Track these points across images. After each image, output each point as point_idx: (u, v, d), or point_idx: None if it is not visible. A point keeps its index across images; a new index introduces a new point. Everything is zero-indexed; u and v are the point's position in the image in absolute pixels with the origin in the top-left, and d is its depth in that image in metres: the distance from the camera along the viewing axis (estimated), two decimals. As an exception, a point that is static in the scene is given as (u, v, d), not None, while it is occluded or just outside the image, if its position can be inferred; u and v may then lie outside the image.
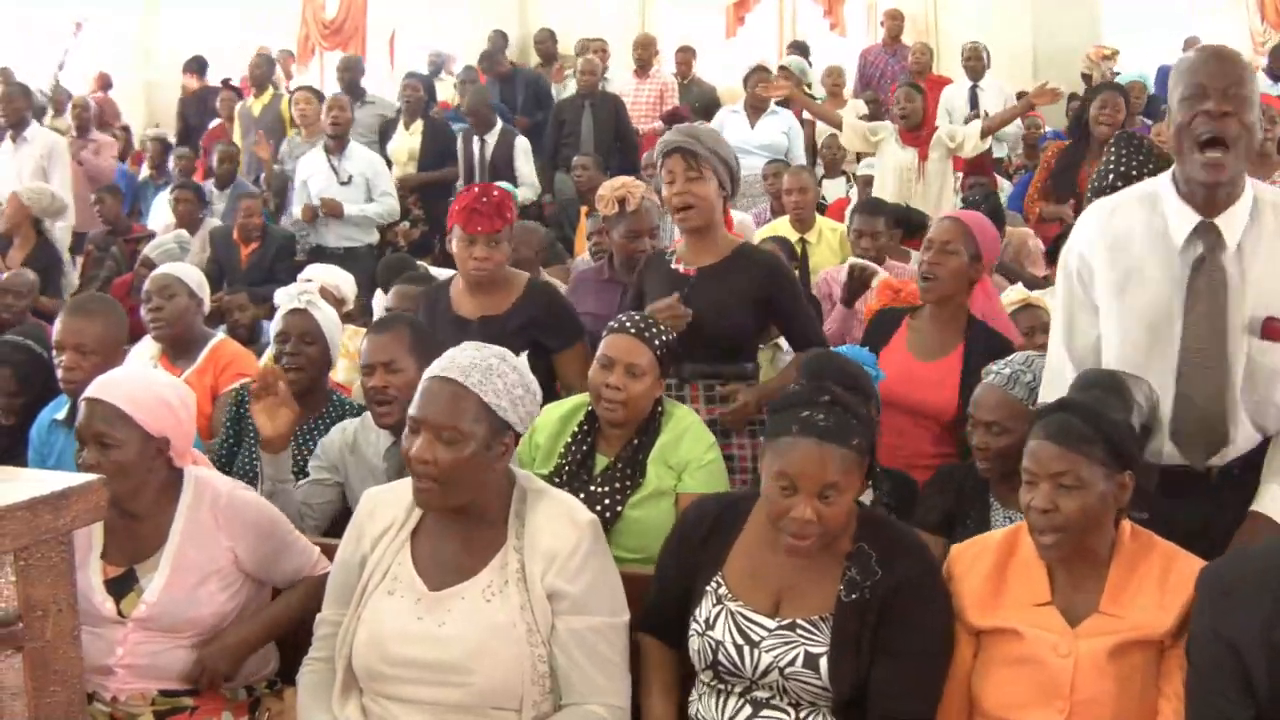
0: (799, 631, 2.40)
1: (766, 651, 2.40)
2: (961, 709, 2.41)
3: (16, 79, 8.03)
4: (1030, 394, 2.96)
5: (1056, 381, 2.73)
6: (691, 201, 3.54)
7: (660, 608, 2.58)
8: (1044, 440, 2.32)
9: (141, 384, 2.84)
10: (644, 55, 9.62)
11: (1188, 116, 2.52)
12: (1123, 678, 2.29)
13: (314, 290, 3.87)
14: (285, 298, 3.76)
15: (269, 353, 3.82)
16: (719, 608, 2.46)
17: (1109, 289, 2.67)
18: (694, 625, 2.48)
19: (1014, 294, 4.18)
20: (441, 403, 2.41)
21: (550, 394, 3.67)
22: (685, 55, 10.56)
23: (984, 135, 6.93)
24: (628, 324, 3.15)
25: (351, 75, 9.32)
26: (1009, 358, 3.15)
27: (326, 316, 3.74)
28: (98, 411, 2.71)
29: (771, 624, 2.42)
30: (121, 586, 2.73)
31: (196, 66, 10.99)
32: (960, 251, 3.56)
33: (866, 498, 3.19)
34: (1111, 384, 2.44)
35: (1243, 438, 2.64)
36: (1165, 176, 2.69)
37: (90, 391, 2.76)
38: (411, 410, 2.45)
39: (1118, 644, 2.29)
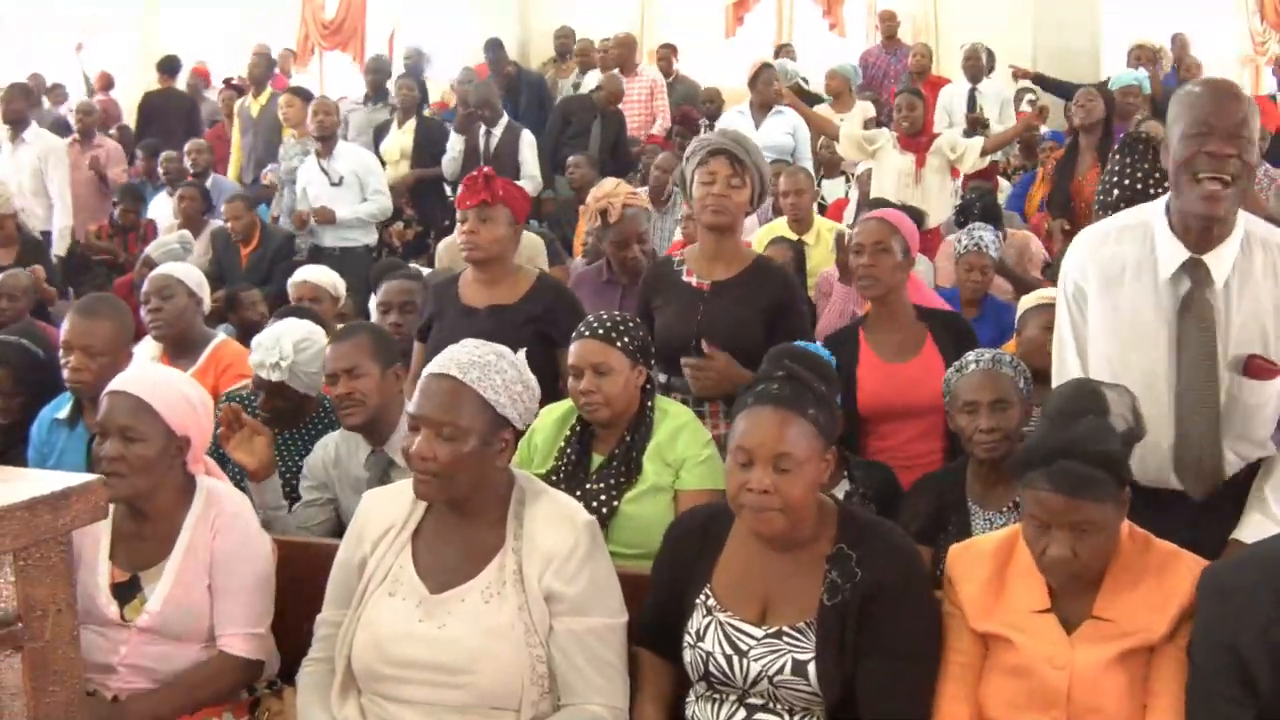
0: (785, 639, 2.39)
1: (755, 660, 2.39)
2: (972, 708, 2.39)
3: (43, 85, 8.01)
4: (1016, 373, 3.06)
5: None
6: (727, 206, 3.53)
7: (653, 622, 2.57)
8: (1052, 493, 2.24)
9: (166, 381, 2.85)
10: (625, 55, 9.60)
11: (1190, 153, 2.50)
12: (1120, 687, 2.28)
13: (289, 352, 3.61)
14: (263, 352, 3.58)
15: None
16: (709, 619, 2.46)
17: (1100, 317, 2.68)
18: (687, 638, 2.48)
19: (1037, 297, 4.09)
20: (440, 399, 2.43)
21: (553, 389, 3.68)
22: (666, 53, 10.59)
23: (984, 154, 6.94)
24: (585, 330, 3.16)
25: (378, 77, 9.46)
26: (976, 352, 3.23)
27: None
28: (124, 404, 2.71)
29: (759, 633, 2.41)
30: (126, 592, 2.73)
31: (167, 68, 10.96)
32: (893, 249, 3.61)
33: (842, 490, 3.21)
34: (1095, 406, 2.38)
35: (1231, 468, 2.66)
36: (1159, 206, 2.67)
37: (116, 385, 2.77)
38: (410, 408, 2.47)
39: (1115, 655, 2.28)
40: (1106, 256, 2.68)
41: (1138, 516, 2.36)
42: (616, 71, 9.35)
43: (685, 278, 3.62)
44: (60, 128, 9.51)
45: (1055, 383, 2.79)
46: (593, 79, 9.70)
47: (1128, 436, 2.36)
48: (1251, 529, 2.62)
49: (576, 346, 3.14)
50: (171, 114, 10.25)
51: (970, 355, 3.19)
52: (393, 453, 3.29)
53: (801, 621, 2.38)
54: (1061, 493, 2.23)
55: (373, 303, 4.68)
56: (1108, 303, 2.66)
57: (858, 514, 2.52)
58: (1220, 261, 2.57)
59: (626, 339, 3.12)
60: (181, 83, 10.95)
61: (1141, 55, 9.53)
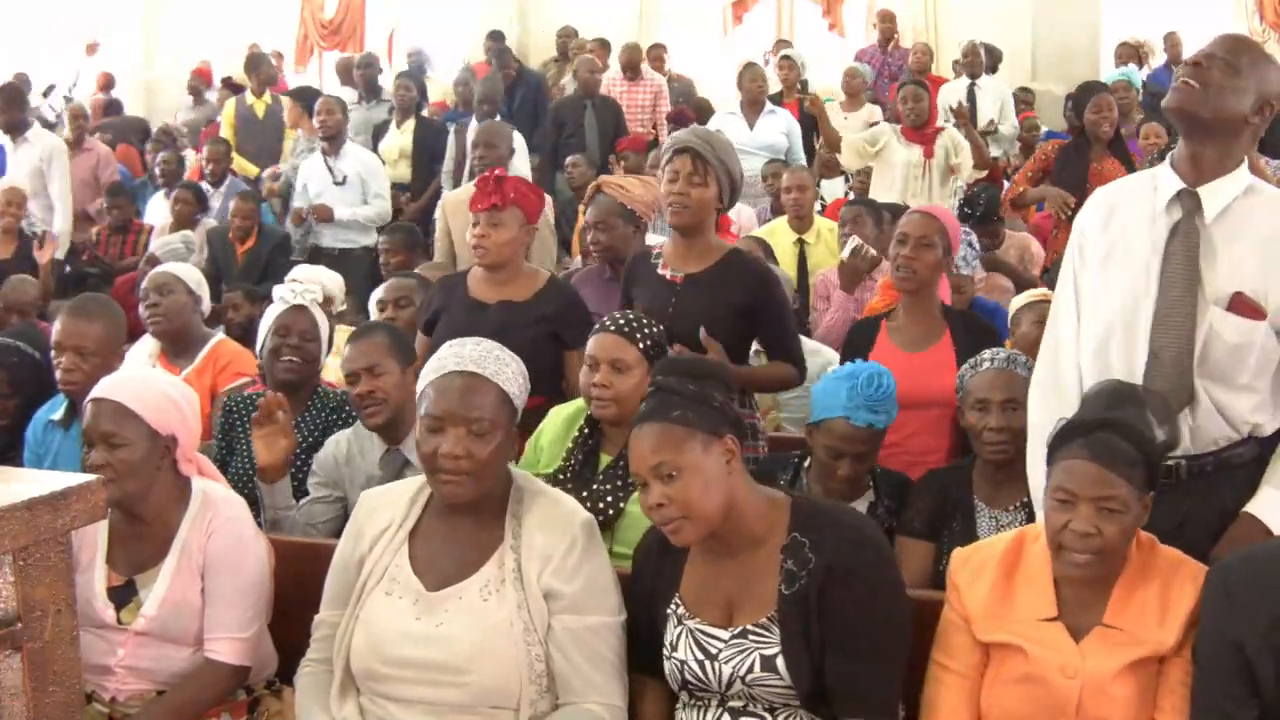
0: (750, 637, 2.36)
1: (725, 663, 2.37)
2: (972, 717, 2.38)
3: (28, 85, 7.99)
4: (1029, 374, 3.01)
5: (1062, 366, 2.73)
6: (687, 204, 3.51)
7: (641, 644, 2.52)
8: (1089, 460, 2.23)
9: (146, 383, 2.84)
10: (632, 58, 9.63)
11: (1173, 79, 2.65)
12: (1128, 697, 2.27)
13: (317, 289, 3.87)
14: (288, 294, 3.76)
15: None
16: (680, 628, 2.44)
17: (1096, 259, 2.72)
18: (664, 649, 2.46)
19: (1029, 295, 4.17)
20: (465, 396, 2.42)
21: (558, 389, 3.68)
22: (658, 53, 10.58)
23: (977, 166, 6.92)
24: (609, 324, 3.16)
25: (369, 73, 9.46)
26: (992, 350, 3.22)
27: (322, 315, 3.77)
28: (105, 411, 2.70)
29: (726, 634, 2.39)
30: (122, 596, 2.72)
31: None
32: (936, 245, 3.63)
33: (865, 501, 3.19)
34: (1134, 398, 2.38)
35: (1210, 420, 2.61)
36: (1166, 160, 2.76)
37: (96, 392, 2.76)
38: (431, 409, 2.44)
39: (1125, 665, 2.27)
40: (1113, 200, 2.78)
41: None
42: (589, 55, 9.32)
43: (660, 270, 3.62)
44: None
45: (1044, 340, 2.79)
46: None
47: (1164, 445, 2.36)
48: (1264, 503, 2.59)
49: (596, 339, 3.13)
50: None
51: (986, 353, 3.19)
52: (408, 452, 3.28)
53: (764, 617, 2.36)
54: (1097, 461, 2.23)
55: (373, 301, 4.68)
56: (1106, 241, 2.72)
57: (809, 501, 2.49)
58: (1214, 196, 2.62)
59: (648, 341, 3.12)
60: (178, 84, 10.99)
61: (1127, 52, 9.56)
